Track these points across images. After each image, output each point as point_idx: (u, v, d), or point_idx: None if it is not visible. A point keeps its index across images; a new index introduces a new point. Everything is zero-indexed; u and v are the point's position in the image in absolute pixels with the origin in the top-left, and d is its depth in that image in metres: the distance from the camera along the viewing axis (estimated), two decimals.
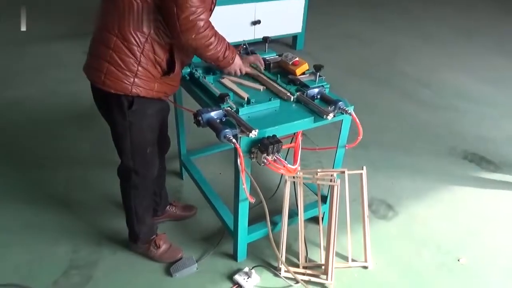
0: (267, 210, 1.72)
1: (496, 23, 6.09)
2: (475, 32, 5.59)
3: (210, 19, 1.56)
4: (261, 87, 1.88)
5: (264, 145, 1.54)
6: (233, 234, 1.97)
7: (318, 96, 1.82)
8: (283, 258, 1.97)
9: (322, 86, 1.85)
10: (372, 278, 1.98)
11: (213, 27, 1.54)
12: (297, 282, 1.91)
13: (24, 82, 3.74)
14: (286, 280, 1.92)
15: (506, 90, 4.00)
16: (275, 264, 2.00)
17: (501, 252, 2.17)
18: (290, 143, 2.00)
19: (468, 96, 3.83)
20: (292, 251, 2.08)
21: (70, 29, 4.92)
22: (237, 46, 2.20)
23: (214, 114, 1.62)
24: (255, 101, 1.72)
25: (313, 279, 1.93)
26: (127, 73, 1.50)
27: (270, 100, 1.75)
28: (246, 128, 1.53)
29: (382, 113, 3.48)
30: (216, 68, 1.85)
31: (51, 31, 4.93)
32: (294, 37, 4.69)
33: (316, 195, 2.12)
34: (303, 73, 1.97)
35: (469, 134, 3.21)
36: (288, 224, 2.00)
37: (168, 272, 1.94)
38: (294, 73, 1.95)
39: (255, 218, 2.01)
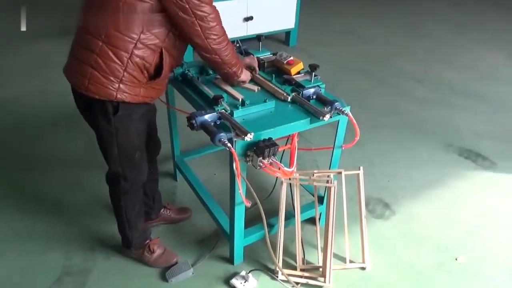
0: (263, 214, 1.69)
1: (490, 18, 6.08)
2: (469, 28, 5.57)
3: None
4: (256, 88, 1.84)
5: (260, 149, 1.50)
6: (229, 237, 1.93)
7: (314, 97, 1.78)
8: (280, 261, 1.94)
9: (318, 86, 1.82)
10: (370, 279, 1.96)
11: (223, 27, 1.55)
12: (295, 285, 1.88)
13: (12, 81, 3.67)
14: (284, 284, 1.89)
15: (500, 85, 3.99)
16: (273, 267, 1.97)
17: (499, 250, 2.16)
18: (286, 144, 1.97)
19: (463, 92, 3.82)
20: (289, 253, 2.05)
21: (58, 27, 4.83)
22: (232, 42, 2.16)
23: (208, 117, 1.58)
24: (249, 103, 1.68)
25: (310, 281, 1.90)
26: (112, 78, 1.44)
27: (265, 101, 1.71)
28: (241, 132, 1.49)
29: (378, 109, 3.46)
30: (228, 80, 1.78)
31: (39, 29, 4.83)
32: (287, 33, 4.65)
33: (313, 195, 2.09)
34: (298, 73, 1.93)
35: (465, 130, 3.20)
36: (285, 226, 1.98)
37: (164, 277, 1.91)
38: (289, 73, 1.92)
39: (252, 219, 1.98)
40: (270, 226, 2.02)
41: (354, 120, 1.71)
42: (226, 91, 1.81)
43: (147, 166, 1.80)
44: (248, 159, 1.58)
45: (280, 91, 1.79)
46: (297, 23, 4.54)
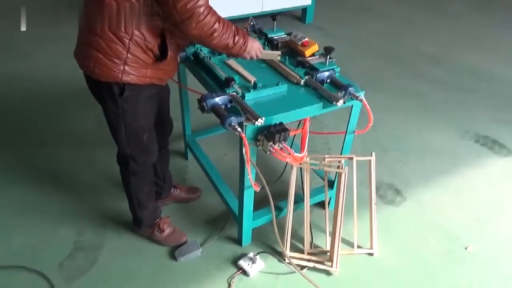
0: (271, 199, 1.68)
1: None
2: (492, 5, 5.35)
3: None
4: (277, 54, 1.79)
5: (271, 133, 1.48)
6: (238, 219, 1.94)
7: (328, 80, 1.74)
8: (288, 244, 1.95)
9: (333, 69, 1.76)
10: (377, 265, 1.96)
11: (215, 12, 1.40)
12: (302, 268, 1.89)
13: (27, 56, 3.67)
14: (291, 267, 1.91)
15: None
16: (280, 250, 1.98)
17: (510, 241, 2.13)
18: (297, 128, 1.94)
19: (481, 75, 3.70)
20: (297, 236, 2.06)
21: (69, 1, 4.78)
22: (244, 21, 2.11)
23: (219, 99, 1.55)
24: (262, 86, 1.65)
25: (318, 265, 1.91)
26: (116, 60, 1.42)
27: (277, 84, 1.68)
28: (252, 116, 1.47)
29: (393, 91, 3.38)
30: (230, 56, 1.69)
31: (51, 3, 4.80)
32: (304, 9, 4.52)
33: (323, 179, 2.08)
34: (313, 55, 1.88)
35: (482, 115, 3.12)
36: (294, 210, 1.97)
37: (173, 256, 1.94)
38: (303, 55, 1.87)
39: (261, 201, 1.97)
40: (279, 209, 2.03)
41: (368, 106, 1.67)
42: (238, 73, 1.78)
43: (157, 147, 1.79)
44: (258, 144, 1.56)
45: (293, 73, 1.75)
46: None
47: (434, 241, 2.10)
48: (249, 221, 1.92)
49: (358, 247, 2.02)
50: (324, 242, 2.03)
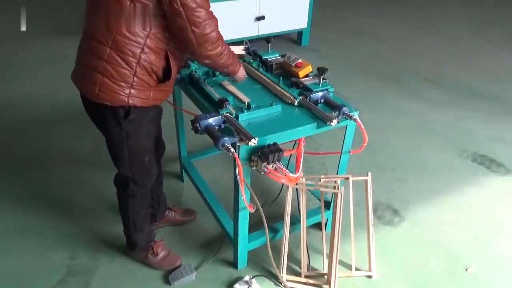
0: (265, 221, 1.66)
1: (507, 17, 5.92)
2: (485, 28, 5.44)
3: None
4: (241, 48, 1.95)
5: (265, 154, 1.47)
6: (233, 242, 1.91)
7: (322, 100, 1.75)
8: (285, 267, 1.91)
9: (326, 89, 1.77)
10: None
11: (222, 37, 1.49)
12: None
13: (23, 78, 3.70)
14: None
15: None
16: (276, 273, 1.94)
17: (511, 262, 2.09)
18: (293, 148, 1.93)
19: (478, 94, 3.72)
20: (294, 258, 2.02)
21: (70, 24, 4.86)
22: (240, 43, 2.14)
23: (212, 120, 1.55)
24: (255, 106, 1.65)
25: None
26: (123, 84, 1.43)
27: (271, 105, 1.68)
28: (245, 136, 1.47)
29: (389, 111, 3.39)
30: (225, 75, 1.76)
31: (52, 26, 4.88)
32: (299, 33, 4.60)
33: (319, 200, 2.05)
34: (307, 76, 1.89)
35: (479, 134, 3.12)
36: (290, 232, 1.94)
37: (167, 280, 1.90)
38: (297, 76, 1.88)
39: (256, 223, 1.94)
40: (276, 231, 2.00)
41: (362, 126, 1.66)
42: (232, 94, 1.78)
43: (156, 169, 1.79)
44: (252, 164, 1.55)
45: (287, 94, 1.76)
46: (310, 23, 4.49)
47: (434, 262, 2.06)
48: (245, 244, 1.89)
49: (356, 269, 1.98)
50: (322, 264, 1.99)
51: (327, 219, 2.10)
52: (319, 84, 1.80)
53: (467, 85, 3.88)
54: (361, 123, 1.66)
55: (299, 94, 1.75)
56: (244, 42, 2.16)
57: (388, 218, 2.32)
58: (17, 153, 2.75)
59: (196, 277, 1.91)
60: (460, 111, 3.43)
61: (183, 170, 2.46)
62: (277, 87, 1.82)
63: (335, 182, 1.89)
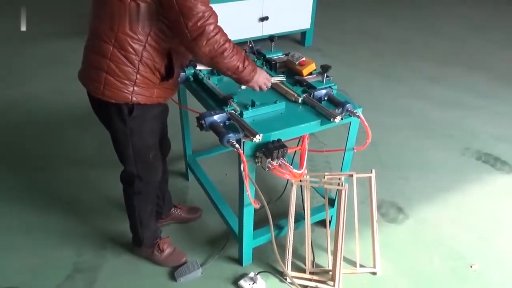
0: (270, 217, 1.67)
1: (508, 17, 5.91)
2: (487, 28, 5.43)
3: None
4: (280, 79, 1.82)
5: (269, 150, 1.49)
6: (238, 239, 1.93)
7: (326, 98, 1.76)
8: (290, 263, 1.93)
9: (330, 87, 1.79)
10: (380, 285, 1.93)
11: (225, 33, 1.44)
12: None
13: (28, 80, 3.74)
14: (292, 287, 1.87)
15: None
16: (281, 269, 1.96)
17: None
18: (297, 145, 1.95)
19: (480, 93, 3.72)
20: (298, 255, 2.03)
21: (74, 26, 4.90)
22: (243, 44, 2.16)
23: (217, 117, 1.57)
24: (260, 104, 1.67)
25: (320, 285, 1.88)
26: (126, 82, 1.45)
27: (275, 102, 1.70)
28: (250, 133, 1.48)
29: (392, 110, 3.40)
30: (238, 82, 1.64)
31: (55, 28, 4.92)
32: (303, 33, 4.61)
33: (324, 197, 2.07)
34: (310, 74, 1.91)
35: (483, 133, 3.12)
36: (295, 228, 1.96)
37: (173, 276, 1.91)
38: (300, 74, 1.89)
39: (261, 220, 1.96)
40: (280, 228, 2.01)
41: (365, 122, 1.68)
42: (237, 91, 1.80)
43: (161, 166, 1.81)
44: (257, 161, 1.57)
45: (291, 92, 1.78)
46: (313, 23, 4.51)
47: (438, 260, 2.06)
48: (250, 240, 1.90)
49: (361, 266, 1.99)
50: (326, 261, 2.00)
51: (332, 216, 2.11)
52: (322, 81, 1.81)
53: (469, 84, 3.88)
54: (364, 120, 1.68)
55: (303, 92, 1.77)
56: (248, 42, 2.18)
57: (393, 215, 2.33)
58: (22, 153, 2.78)
59: (201, 273, 1.93)
60: (463, 110, 3.44)
61: (188, 169, 2.48)
62: (281, 85, 1.83)
63: (339, 179, 1.90)
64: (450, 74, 4.09)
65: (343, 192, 1.84)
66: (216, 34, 1.40)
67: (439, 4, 6.36)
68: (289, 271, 1.92)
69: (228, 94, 1.67)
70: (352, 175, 1.91)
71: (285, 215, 1.97)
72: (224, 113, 1.59)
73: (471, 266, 2.03)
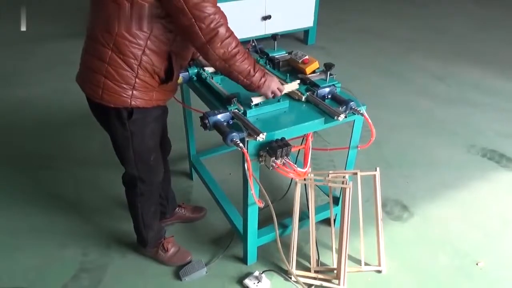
0: (275, 216, 1.67)
1: None
2: (491, 25, 5.40)
3: None
4: (297, 83, 1.76)
5: (273, 149, 1.49)
6: (243, 238, 1.93)
7: (329, 96, 1.76)
8: (294, 262, 1.92)
9: (333, 85, 1.78)
10: (386, 283, 1.92)
11: (236, 36, 1.44)
12: (309, 287, 1.86)
13: (33, 80, 3.76)
14: (297, 285, 1.87)
15: None
16: (286, 268, 1.95)
17: None
18: (301, 144, 1.95)
19: (486, 90, 3.70)
20: (303, 254, 2.03)
21: (79, 26, 4.92)
22: (246, 43, 2.15)
23: (221, 116, 1.57)
24: (263, 102, 1.67)
25: (325, 283, 1.88)
26: (125, 86, 1.44)
27: (279, 101, 1.69)
28: (253, 131, 1.48)
29: (396, 108, 3.39)
30: (249, 91, 1.61)
31: (60, 29, 4.95)
32: (306, 31, 4.61)
33: (328, 196, 2.06)
34: (313, 72, 1.90)
35: (488, 130, 3.10)
36: (299, 227, 1.95)
37: (177, 275, 1.92)
38: (304, 72, 1.89)
39: (266, 219, 1.97)
40: (285, 226, 2.01)
41: (369, 120, 1.67)
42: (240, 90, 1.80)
43: (163, 167, 1.81)
44: (261, 159, 1.57)
45: (294, 90, 1.77)
46: (316, 21, 4.50)
47: (443, 257, 2.06)
48: (254, 239, 1.90)
49: (366, 264, 1.98)
50: (331, 260, 1.99)
51: (336, 214, 2.11)
52: (326, 79, 1.81)
53: (474, 81, 3.86)
54: (368, 118, 1.67)
55: (306, 90, 1.76)
56: (251, 41, 2.18)
57: (397, 213, 2.32)
58: (27, 153, 2.79)
59: (206, 272, 1.93)
60: (468, 107, 3.42)
61: (192, 169, 2.49)
62: (284, 83, 1.83)
63: (344, 177, 1.90)
64: (455, 71, 4.06)
65: (347, 190, 1.84)
66: (229, 35, 1.40)
67: (445, 2, 6.32)
68: (294, 270, 1.91)
69: (232, 93, 1.67)
70: (356, 173, 1.91)
71: (290, 214, 1.97)
72: (228, 112, 1.59)
73: (476, 264, 2.02)
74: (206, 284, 1.90)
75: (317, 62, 1.90)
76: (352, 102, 1.66)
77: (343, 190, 1.88)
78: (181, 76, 1.83)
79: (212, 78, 1.86)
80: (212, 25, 1.35)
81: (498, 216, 2.31)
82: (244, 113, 1.62)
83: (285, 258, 1.82)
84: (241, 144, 1.46)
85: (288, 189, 2.33)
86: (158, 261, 1.99)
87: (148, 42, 1.39)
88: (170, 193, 2.11)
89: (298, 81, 1.78)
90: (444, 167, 2.70)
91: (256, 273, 1.89)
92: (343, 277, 1.86)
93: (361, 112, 1.66)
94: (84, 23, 1.48)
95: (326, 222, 2.18)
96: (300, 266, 1.97)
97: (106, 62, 1.41)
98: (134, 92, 1.46)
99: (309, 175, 1.90)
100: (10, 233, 2.16)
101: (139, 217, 1.86)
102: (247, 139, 1.50)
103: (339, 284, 1.86)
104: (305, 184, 2.00)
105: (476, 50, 4.60)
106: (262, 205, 1.65)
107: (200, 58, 1.86)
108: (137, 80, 1.44)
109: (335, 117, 1.61)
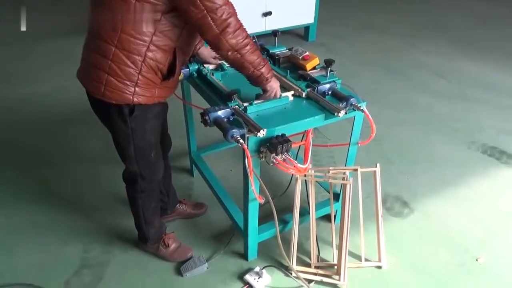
0: (275, 212, 1.68)
1: None
2: (493, 21, 5.39)
3: None
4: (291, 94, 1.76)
5: (273, 145, 1.49)
6: (243, 234, 1.93)
7: (329, 92, 1.76)
8: (295, 258, 1.93)
9: (334, 81, 1.78)
10: (386, 278, 1.93)
11: (244, 28, 1.46)
12: (309, 282, 1.87)
13: (33, 79, 3.76)
14: (297, 281, 1.88)
15: None
16: (287, 264, 1.96)
17: None
18: (301, 140, 1.95)
19: (486, 86, 3.70)
20: (304, 250, 2.04)
21: (82, 23, 4.91)
22: None
23: (221, 113, 1.57)
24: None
25: (325, 279, 1.89)
26: (128, 83, 1.44)
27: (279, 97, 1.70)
28: (254, 128, 1.49)
29: (397, 104, 3.39)
30: (256, 84, 1.62)
31: (60, 27, 4.94)
32: (306, 28, 4.60)
33: (328, 192, 2.07)
34: (314, 68, 1.90)
35: (489, 126, 3.10)
36: (300, 223, 1.96)
37: (179, 271, 1.93)
38: (304, 68, 1.89)
39: (266, 215, 1.97)
40: (285, 222, 2.02)
41: (370, 116, 1.67)
42: (240, 87, 1.80)
43: (163, 164, 1.82)
44: (261, 156, 1.57)
45: (295, 87, 1.77)
46: (317, 18, 4.49)
47: (443, 253, 2.06)
48: (255, 235, 1.91)
49: (366, 260, 1.99)
50: (331, 256, 2.00)
51: (336, 211, 2.11)
52: (326, 76, 1.81)
53: (475, 78, 3.86)
54: (368, 114, 1.67)
55: (307, 86, 1.77)
56: (252, 37, 2.18)
57: (398, 209, 2.33)
58: (29, 150, 2.80)
59: (207, 268, 1.94)
60: (468, 103, 3.42)
61: (193, 165, 2.49)
62: (285, 79, 1.83)
63: (344, 173, 1.90)
64: (456, 68, 4.06)
65: (347, 186, 1.85)
66: (240, 26, 1.43)
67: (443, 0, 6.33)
68: (294, 266, 1.92)
69: (232, 90, 1.67)
70: (356, 170, 1.91)
71: (290, 210, 1.98)
72: (228, 109, 1.59)
73: (476, 260, 2.03)
74: (207, 280, 1.91)
75: (317, 58, 1.90)
76: (353, 99, 1.66)
77: (343, 186, 1.89)
78: (182, 73, 1.84)
79: (212, 74, 1.86)
80: (224, 16, 1.36)
81: (499, 213, 2.32)
82: (245, 110, 1.62)
83: (285, 254, 1.83)
84: (241, 140, 1.47)
85: (289, 185, 2.33)
86: (159, 257, 2.00)
87: (154, 38, 1.39)
88: (171, 189, 2.12)
89: (292, 92, 1.75)
90: (444, 164, 2.70)
91: (257, 269, 1.90)
92: (343, 272, 1.86)
93: (362, 108, 1.66)
94: (85, 20, 1.48)
95: (327, 218, 2.18)
96: (300, 262, 1.98)
97: (109, 59, 1.40)
98: (137, 89, 1.46)
99: (309, 171, 1.90)
100: (12, 230, 2.17)
101: (140, 214, 1.86)
102: (247, 135, 1.50)
103: (339, 279, 1.87)
104: (305, 180, 2.00)
105: (477, 46, 4.59)
106: (262, 201, 1.66)
107: (200, 54, 1.87)
108: (140, 77, 1.44)
109: (336, 114, 1.61)
